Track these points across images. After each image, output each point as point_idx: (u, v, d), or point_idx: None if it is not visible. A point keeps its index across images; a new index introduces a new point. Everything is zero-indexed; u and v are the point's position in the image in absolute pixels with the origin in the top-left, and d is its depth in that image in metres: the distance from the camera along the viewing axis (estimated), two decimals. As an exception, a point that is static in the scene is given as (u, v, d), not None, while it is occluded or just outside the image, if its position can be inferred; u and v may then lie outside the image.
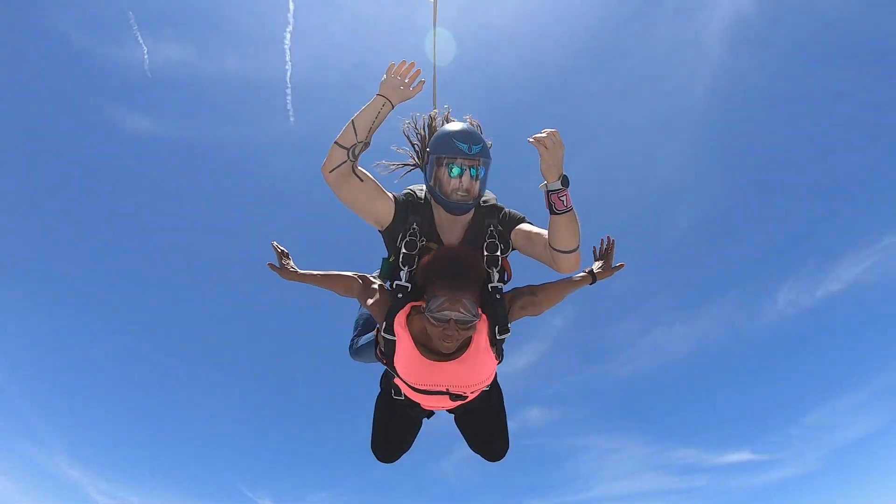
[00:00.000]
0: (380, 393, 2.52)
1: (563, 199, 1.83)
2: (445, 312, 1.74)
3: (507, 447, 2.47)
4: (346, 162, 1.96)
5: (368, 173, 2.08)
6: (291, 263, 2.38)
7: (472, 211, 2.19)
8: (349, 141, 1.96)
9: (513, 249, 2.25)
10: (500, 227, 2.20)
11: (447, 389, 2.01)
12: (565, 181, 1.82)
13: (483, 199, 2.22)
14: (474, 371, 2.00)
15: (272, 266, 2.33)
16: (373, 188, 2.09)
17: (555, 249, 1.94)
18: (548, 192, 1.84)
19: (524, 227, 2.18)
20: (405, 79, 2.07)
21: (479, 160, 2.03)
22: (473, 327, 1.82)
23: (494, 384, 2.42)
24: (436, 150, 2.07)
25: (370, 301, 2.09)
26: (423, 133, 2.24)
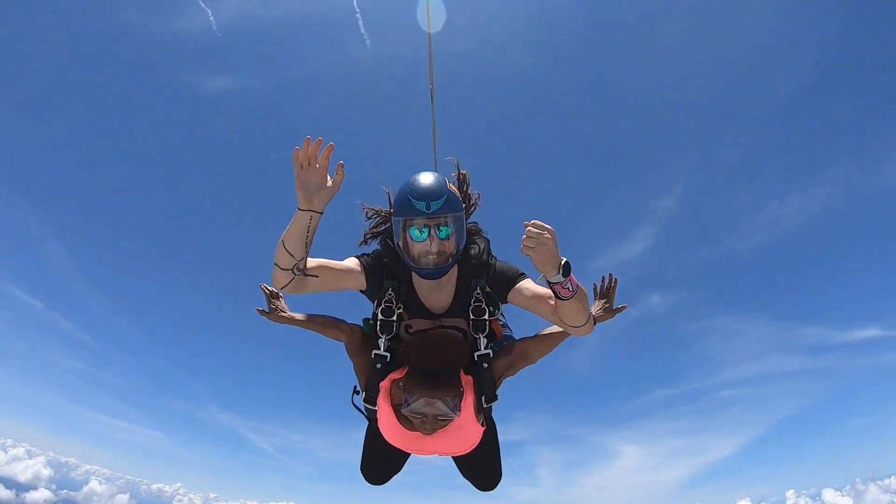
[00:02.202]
0: (369, 424, 2.38)
1: (568, 286, 1.66)
2: (422, 410, 1.73)
3: (498, 483, 2.43)
4: (293, 279, 1.82)
5: (321, 262, 1.91)
6: (282, 305, 2.37)
7: (457, 269, 2.04)
8: (287, 263, 1.78)
9: (504, 303, 2.10)
10: (487, 290, 2.04)
11: (433, 454, 2.07)
12: (566, 269, 1.64)
13: (471, 250, 2.03)
14: (459, 442, 2.01)
15: (261, 311, 2.33)
16: (331, 277, 1.95)
17: (565, 323, 1.83)
18: (549, 283, 1.69)
19: (523, 287, 1.99)
20: (316, 165, 1.68)
21: (444, 218, 1.83)
22: (453, 420, 1.79)
23: (487, 419, 2.32)
24: (396, 211, 1.88)
25: (355, 359, 2.13)
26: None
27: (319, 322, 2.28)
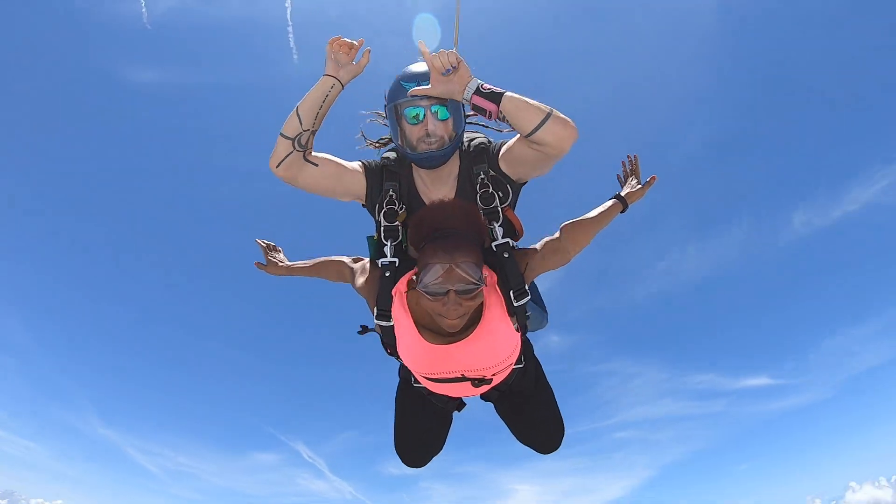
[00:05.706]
0: (399, 383, 2.17)
1: (488, 88, 1.65)
2: (440, 283, 1.43)
3: (563, 435, 2.13)
4: (292, 153, 1.72)
5: (325, 155, 1.84)
6: (280, 257, 2.19)
7: (459, 161, 1.89)
8: (293, 130, 1.71)
9: (520, 187, 1.91)
10: (492, 172, 1.85)
11: (463, 375, 1.73)
12: (475, 83, 1.65)
13: (470, 139, 1.91)
14: (491, 349, 1.70)
15: (259, 265, 2.15)
16: (332, 170, 1.84)
17: (531, 133, 1.62)
18: (472, 103, 1.66)
19: (504, 146, 1.85)
20: (346, 54, 1.75)
21: (438, 98, 1.72)
22: (479, 295, 1.51)
23: (530, 358, 2.08)
24: (389, 99, 1.82)
25: (360, 283, 1.84)
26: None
27: (318, 263, 2.08)
